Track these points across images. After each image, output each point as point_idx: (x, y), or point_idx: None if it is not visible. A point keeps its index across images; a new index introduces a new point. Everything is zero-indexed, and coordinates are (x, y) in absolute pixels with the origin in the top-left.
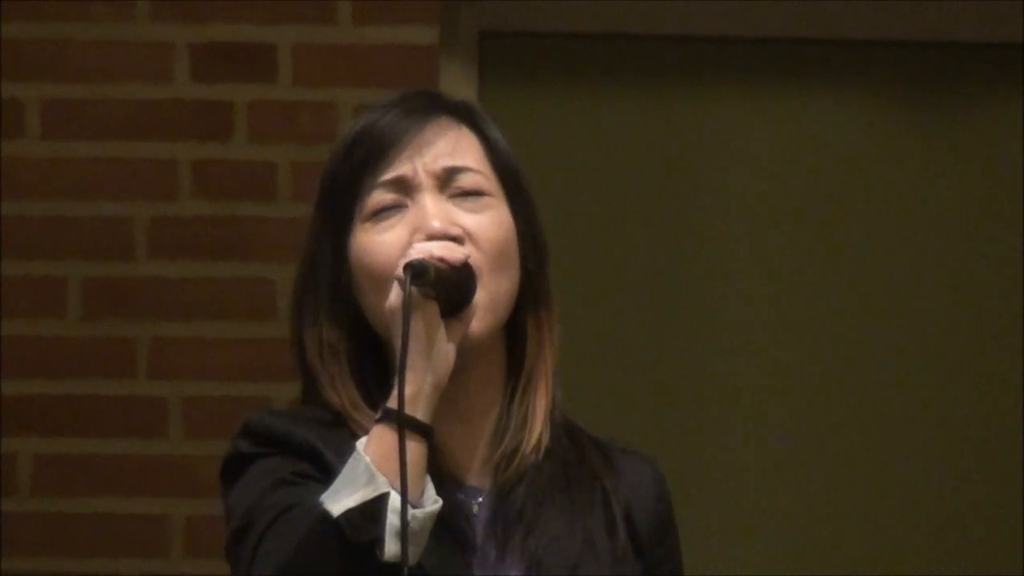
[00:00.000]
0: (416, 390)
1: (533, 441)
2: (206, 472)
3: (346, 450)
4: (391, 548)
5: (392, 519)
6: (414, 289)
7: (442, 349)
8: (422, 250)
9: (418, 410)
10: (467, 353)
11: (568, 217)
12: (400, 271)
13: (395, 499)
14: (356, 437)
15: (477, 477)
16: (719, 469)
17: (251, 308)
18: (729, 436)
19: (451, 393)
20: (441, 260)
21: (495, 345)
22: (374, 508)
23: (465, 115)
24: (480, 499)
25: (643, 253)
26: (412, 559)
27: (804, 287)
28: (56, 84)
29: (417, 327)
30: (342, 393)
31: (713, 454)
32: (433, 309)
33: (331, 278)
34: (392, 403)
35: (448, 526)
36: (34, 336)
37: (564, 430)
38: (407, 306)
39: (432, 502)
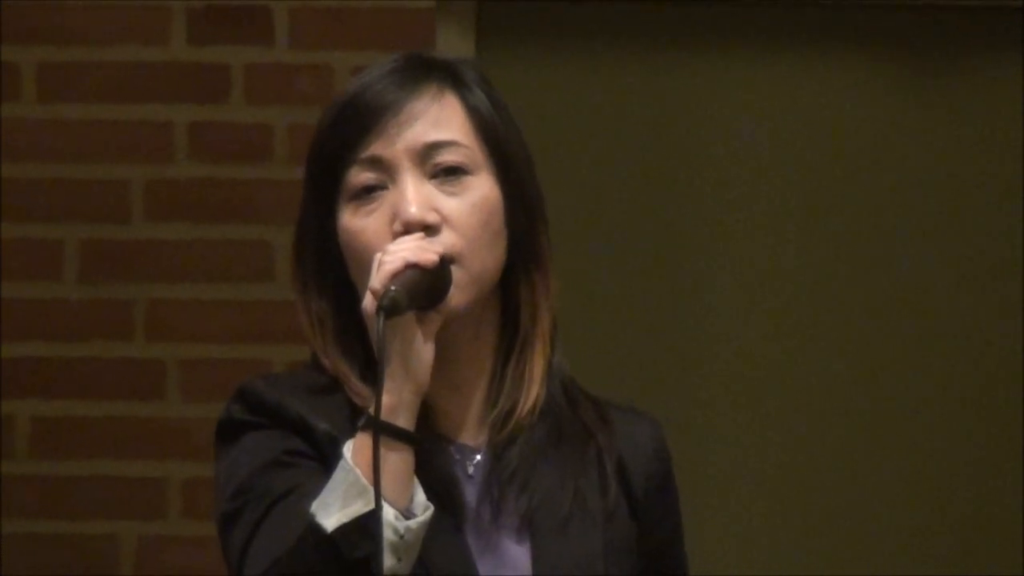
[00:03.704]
0: (397, 400)
1: (530, 402)
2: (204, 434)
3: (340, 419)
4: (387, 563)
5: (387, 533)
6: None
7: (419, 355)
8: (396, 255)
9: (400, 419)
10: (452, 323)
11: (564, 180)
12: (368, 304)
13: (388, 512)
14: (352, 404)
15: (473, 436)
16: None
17: (248, 270)
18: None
19: (443, 360)
20: (415, 265)
21: (486, 307)
22: (368, 522)
23: (451, 79)
24: (477, 459)
25: (639, 216)
26: (406, 569)
27: (799, 253)
28: (52, 47)
29: (392, 341)
30: (332, 362)
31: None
32: (407, 319)
33: (317, 250)
34: (379, 414)
35: (440, 496)
36: (32, 299)
37: (562, 386)
38: (381, 348)
39: (423, 509)
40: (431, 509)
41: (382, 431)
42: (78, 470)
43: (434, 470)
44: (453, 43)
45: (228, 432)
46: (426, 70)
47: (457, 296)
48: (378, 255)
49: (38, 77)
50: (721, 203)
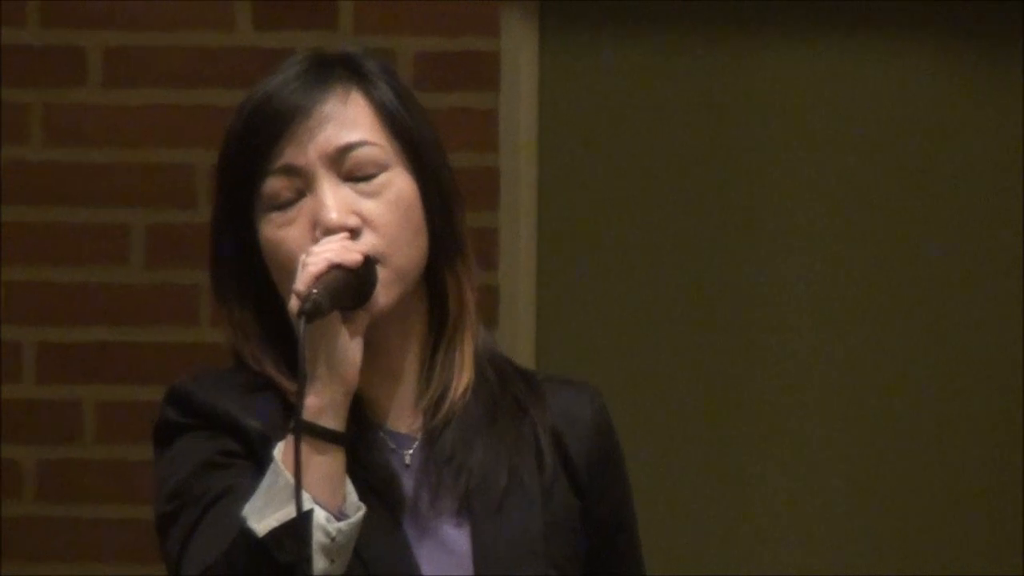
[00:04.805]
0: (325, 401)
1: (462, 387)
2: None
3: (273, 417)
4: (319, 565)
5: (318, 536)
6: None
7: (346, 354)
8: (319, 256)
9: (329, 420)
10: (381, 320)
11: (627, 170)
12: (294, 306)
13: (319, 514)
14: (285, 401)
15: (408, 424)
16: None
17: None
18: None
19: (373, 351)
20: (338, 266)
21: (413, 298)
22: (299, 526)
23: (354, 77)
24: (413, 447)
25: (702, 206)
26: (339, 570)
27: (854, 241)
28: (118, 32)
29: (317, 342)
30: (262, 366)
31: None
32: (332, 319)
33: (235, 260)
34: (303, 415)
35: (377, 489)
36: (98, 283)
37: (490, 363)
38: (302, 352)
39: (355, 510)
40: (363, 509)
41: (308, 433)
42: (144, 455)
43: (371, 462)
44: (517, 29)
45: (163, 435)
46: (330, 69)
47: (383, 295)
48: (302, 257)
49: (104, 62)
50: (786, 193)
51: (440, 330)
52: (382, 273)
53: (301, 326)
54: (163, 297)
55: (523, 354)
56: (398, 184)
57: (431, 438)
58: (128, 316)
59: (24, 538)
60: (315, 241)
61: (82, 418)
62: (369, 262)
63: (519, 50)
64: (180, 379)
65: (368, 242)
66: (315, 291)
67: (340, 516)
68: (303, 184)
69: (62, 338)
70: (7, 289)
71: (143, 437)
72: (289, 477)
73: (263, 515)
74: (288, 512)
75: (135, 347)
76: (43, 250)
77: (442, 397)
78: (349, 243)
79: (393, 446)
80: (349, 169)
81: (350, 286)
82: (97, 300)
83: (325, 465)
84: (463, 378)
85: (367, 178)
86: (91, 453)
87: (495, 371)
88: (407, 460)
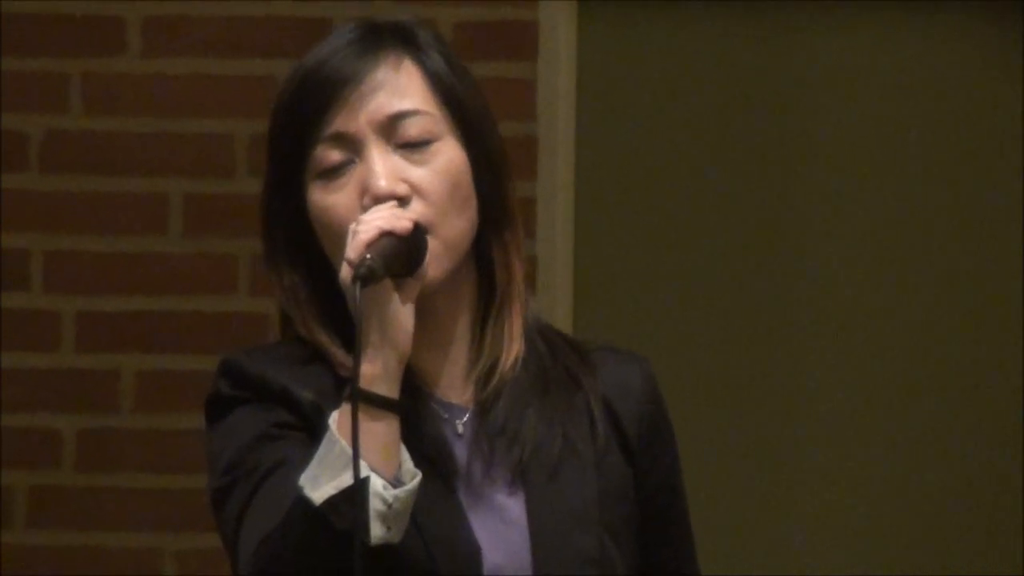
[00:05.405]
0: (379, 368)
1: (512, 357)
2: None
3: (325, 387)
4: (377, 532)
5: (375, 503)
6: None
7: (398, 320)
8: (370, 224)
9: (382, 387)
10: (431, 290)
11: (665, 138)
12: (345, 275)
13: (375, 482)
14: (335, 374)
15: (460, 394)
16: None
17: None
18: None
19: (424, 321)
20: (389, 233)
21: (463, 270)
22: (356, 493)
23: (406, 46)
24: (465, 417)
25: (746, 181)
26: (396, 537)
27: (905, 220)
28: (157, 1)
29: (370, 309)
30: (313, 335)
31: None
32: (384, 286)
33: (285, 226)
34: (358, 383)
35: (430, 458)
36: (136, 252)
37: (539, 334)
38: (358, 316)
39: (411, 477)
40: (419, 476)
41: (364, 401)
42: (183, 423)
43: (423, 432)
44: None
45: (216, 408)
46: (382, 37)
47: (434, 266)
48: (352, 225)
49: (143, 32)
50: (829, 161)
51: (489, 301)
52: (431, 244)
53: (356, 292)
54: (201, 266)
55: (560, 324)
56: (448, 154)
57: (483, 409)
58: (166, 285)
59: (63, 507)
60: (364, 209)
61: (120, 387)
62: (419, 229)
63: (557, 19)
64: (231, 352)
65: (417, 210)
66: (368, 257)
67: (396, 483)
68: (353, 151)
69: (100, 307)
70: (46, 258)
71: (182, 406)
72: (345, 445)
73: (319, 484)
74: (344, 480)
75: (173, 316)
76: (81, 219)
77: (493, 368)
78: (399, 211)
79: (445, 416)
80: (400, 137)
81: (401, 253)
82: (135, 269)
83: (380, 432)
84: (513, 349)
85: (418, 147)
86: (129, 422)
87: (544, 341)
88: (459, 430)
